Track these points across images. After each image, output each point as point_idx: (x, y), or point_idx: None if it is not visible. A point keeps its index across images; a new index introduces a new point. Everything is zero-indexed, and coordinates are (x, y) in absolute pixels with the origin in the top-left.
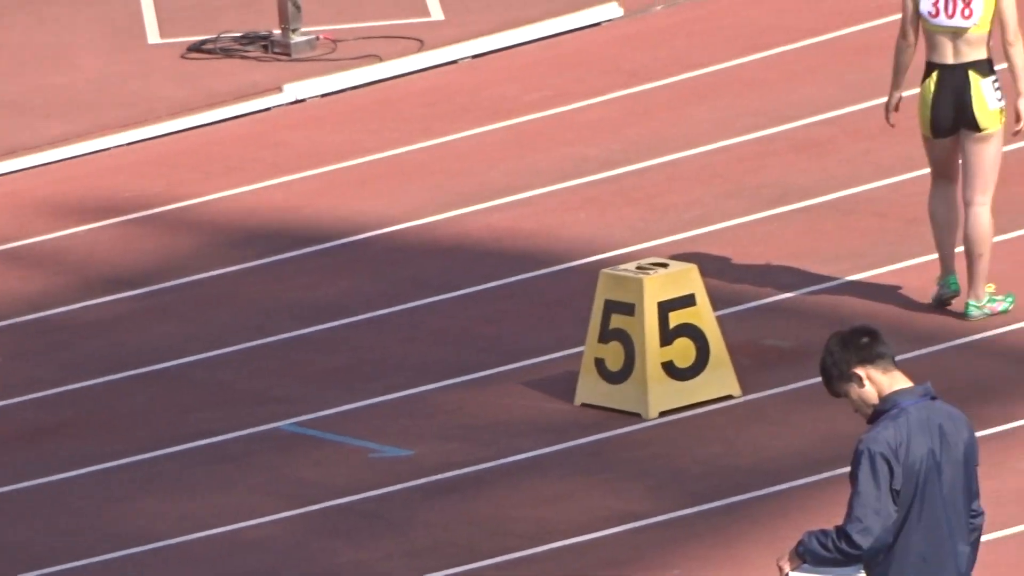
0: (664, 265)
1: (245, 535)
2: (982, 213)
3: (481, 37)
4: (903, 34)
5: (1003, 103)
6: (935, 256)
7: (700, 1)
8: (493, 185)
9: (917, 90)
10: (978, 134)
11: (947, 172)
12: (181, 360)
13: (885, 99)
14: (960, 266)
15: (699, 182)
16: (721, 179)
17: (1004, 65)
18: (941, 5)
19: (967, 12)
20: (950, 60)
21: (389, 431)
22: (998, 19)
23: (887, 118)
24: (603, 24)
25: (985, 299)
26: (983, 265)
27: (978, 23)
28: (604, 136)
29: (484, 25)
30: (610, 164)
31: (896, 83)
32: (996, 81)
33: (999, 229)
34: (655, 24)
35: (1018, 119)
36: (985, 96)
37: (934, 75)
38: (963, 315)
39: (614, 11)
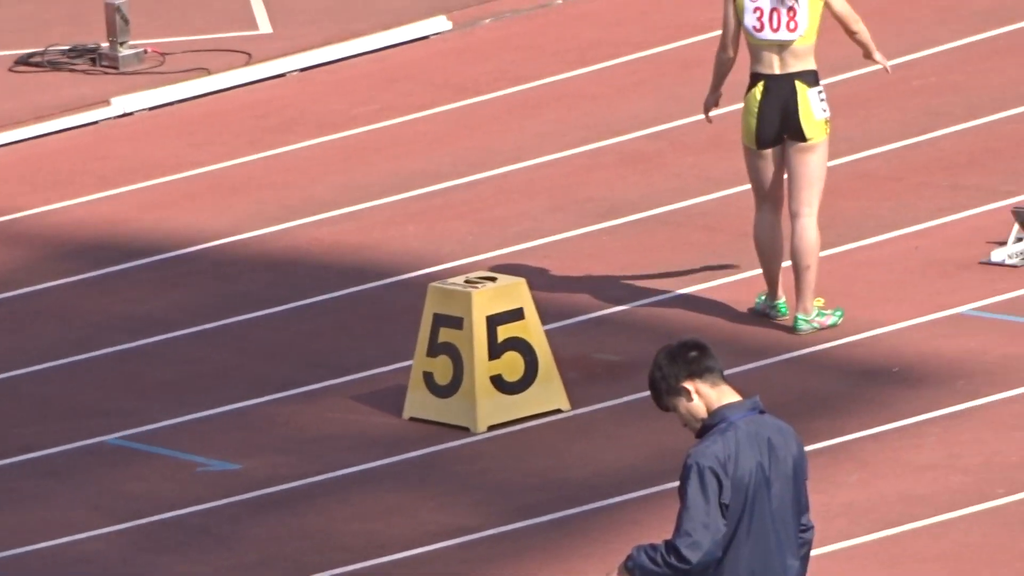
0: (493, 279)
1: (70, 550)
2: (808, 225)
3: (309, 51)
4: (723, 47)
5: (828, 114)
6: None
7: (528, 15)
8: (321, 199)
9: (741, 105)
10: (803, 144)
11: (771, 193)
12: (6, 374)
13: (712, 112)
14: (787, 280)
15: (527, 196)
16: (549, 193)
17: (832, 78)
18: (765, 19)
19: (792, 25)
20: (776, 70)
21: (218, 445)
22: (832, 22)
23: (706, 115)
24: (431, 38)
25: (814, 313)
26: (810, 277)
27: (804, 34)
28: (432, 150)
29: (312, 39)
30: (438, 178)
31: (715, 87)
32: (822, 92)
33: (826, 244)
34: (483, 38)
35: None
36: (812, 106)
37: (760, 85)
38: (792, 329)
39: (442, 24)
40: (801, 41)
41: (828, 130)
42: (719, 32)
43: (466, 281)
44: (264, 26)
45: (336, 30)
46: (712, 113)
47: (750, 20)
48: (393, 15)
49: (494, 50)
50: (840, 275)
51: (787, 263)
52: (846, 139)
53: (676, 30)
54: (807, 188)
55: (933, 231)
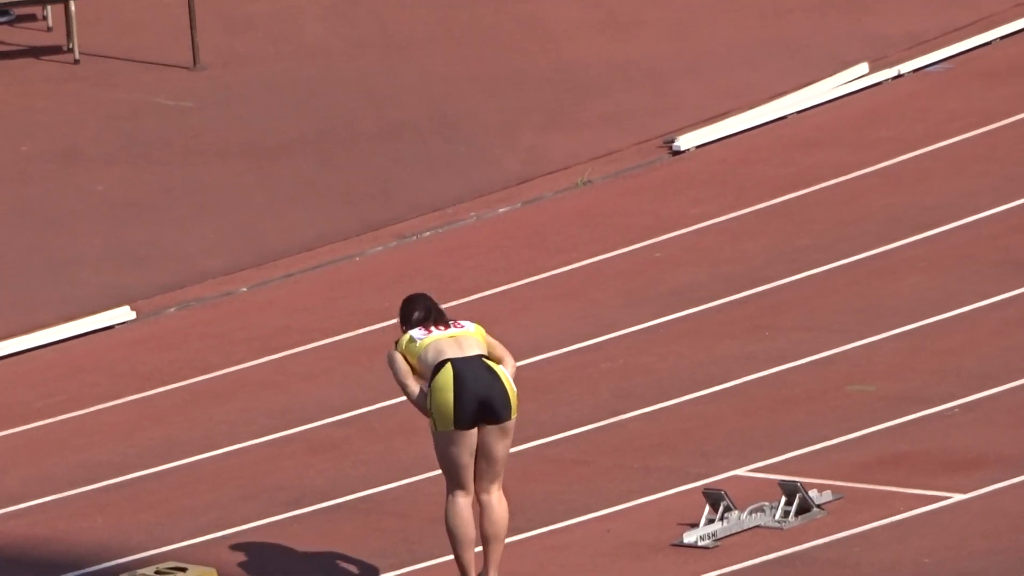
0: (183, 569)
1: None
2: (502, 498)
3: None
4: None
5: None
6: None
7: (213, 303)
8: (7, 492)
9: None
10: (508, 423)
11: (466, 478)
12: None
13: (400, 399)
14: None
15: (215, 485)
16: (237, 481)
17: (520, 362)
18: (430, 327)
19: (459, 324)
20: (460, 354)
21: None
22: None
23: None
24: (116, 327)
25: None
26: (501, 549)
27: (473, 330)
28: (117, 441)
29: None
30: (125, 469)
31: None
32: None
33: (516, 529)
34: (168, 326)
35: None
36: (512, 381)
37: (448, 366)
38: None
39: (126, 314)
40: (475, 333)
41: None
42: (396, 320)
43: (156, 572)
44: None
45: (21, 322)
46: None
47: (417, 335)
48: (78, 305)
49: (179, 339)
50: (531, 560)
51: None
52: (535, 423)
53: (363, 316)
54: (503, 464)
55: (624, 513)
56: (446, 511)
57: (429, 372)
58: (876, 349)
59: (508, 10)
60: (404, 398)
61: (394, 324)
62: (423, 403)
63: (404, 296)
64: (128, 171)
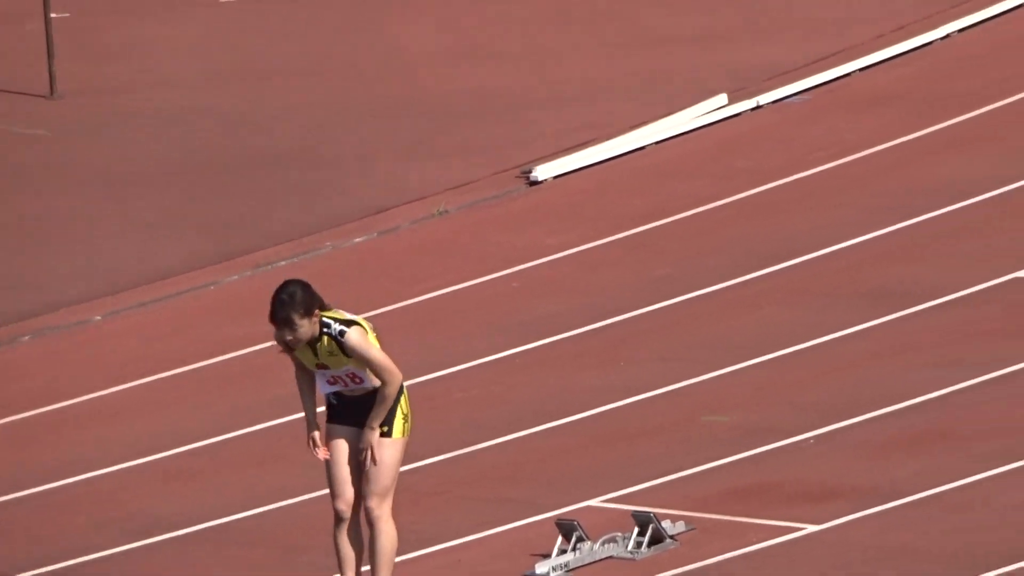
0: None
1: None
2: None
3: None
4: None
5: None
6: None
7: (67, 332)
8: None
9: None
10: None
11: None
12: None
13: (255, 427)
14: None
15: (65, 514)
16: (88, 510)
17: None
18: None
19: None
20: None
21: None
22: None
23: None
24: None
25: None
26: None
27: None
28: None
29: None
30: None
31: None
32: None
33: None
34: (22, 355)
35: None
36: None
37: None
38: None
39: None
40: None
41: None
42: (252, 349)
43: None
44: None
45: None
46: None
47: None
48: None
49: (34, 367)
50: None
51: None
52: None
53: (218, 345)
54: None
55: (476, 544)
56: (392, 529)
57: None
58: (731, 380)
59: (367, 40)
60: (260, 426)
61: (248, 353)
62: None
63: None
64: None
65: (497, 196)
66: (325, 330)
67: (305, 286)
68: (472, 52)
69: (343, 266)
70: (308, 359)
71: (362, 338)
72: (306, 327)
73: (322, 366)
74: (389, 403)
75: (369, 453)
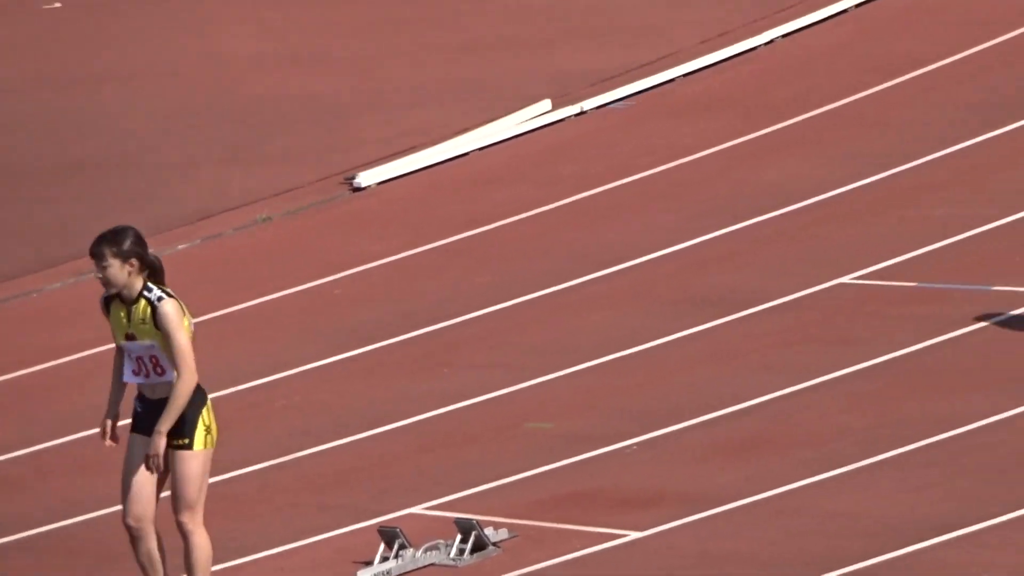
0: None
1: None
2: None
3: None
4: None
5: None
6: None
7: None
8: None
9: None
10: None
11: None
12: None
13: (77, 435)
14: None
15: None
16: None
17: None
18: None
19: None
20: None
21: None
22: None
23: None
24: None
25: None
26: None
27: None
28: None
29: None
30: None
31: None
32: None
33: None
34: None
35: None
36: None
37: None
38: None
39: None
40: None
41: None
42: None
43: None
44: None
45: None
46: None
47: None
48: None
49: None
50: None
51: None
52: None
53: (39, 353)
54: None
55: (298, 551)
56: (205, 540)
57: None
58: (556, 386)
59: (188, 45)
60: (82, 434)
61: (70, 361)
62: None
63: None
64: None
65: (320, 202)
66: (146, 293)
67: (138, 237)
68: (295, 58)
69: (167, 273)
70: (119, 325)
71: (176, 314)
72: (116, 269)
73: (131, 336)
74: (181, 403)
75: (153, 461)
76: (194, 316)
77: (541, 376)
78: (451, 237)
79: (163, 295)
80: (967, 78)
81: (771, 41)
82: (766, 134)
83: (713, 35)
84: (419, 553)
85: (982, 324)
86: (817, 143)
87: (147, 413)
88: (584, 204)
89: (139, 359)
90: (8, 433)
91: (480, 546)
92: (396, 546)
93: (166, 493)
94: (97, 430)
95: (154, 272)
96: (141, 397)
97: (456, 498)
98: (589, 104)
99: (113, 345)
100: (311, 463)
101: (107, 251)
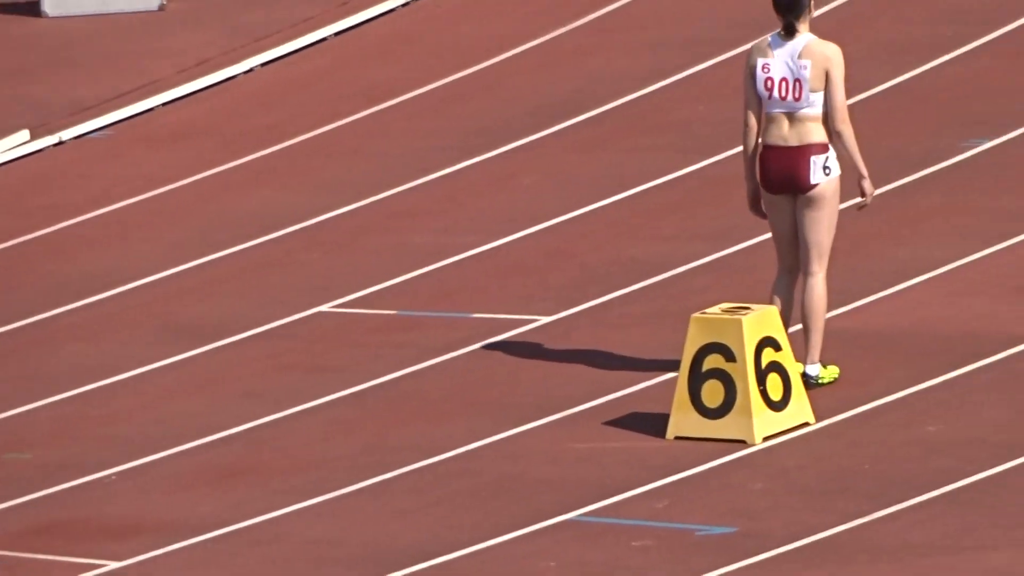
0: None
1: None
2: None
3: None
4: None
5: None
6: None
7: None
8: None
9: None
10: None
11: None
12: None
13: None
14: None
15: None
16: None
17: None
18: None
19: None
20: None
21: None
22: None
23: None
24: None
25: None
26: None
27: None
28: None
29: None
30: None
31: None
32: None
33: None
34: None
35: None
36: None
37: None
38: None
39: None
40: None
41: None
42: None
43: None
44: None
45: None
46: None
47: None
48: None
49: None
50: None
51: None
52: None
53: None
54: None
55: None
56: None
57: None
58: (34, 417)
59: None
60: None
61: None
62: None
63: None
64: None
65: None
66: None
67: None
68: None
69: None
70: None
71: None
72: None
73: None
74: None
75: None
76: None
77: (19, 407)
78: None
79: None
80: (447, 105)
81: (251, 70)
82: (245, 162)
83: (191, 64)
84: None
85: (462, 351)
86: (297, 171)
87: None
88: (61, 235)
89: None
90: None
91: None
92: None
93: None
94: None
95: None
96: None
97: None
98: (67, 134)
99: None
100: None
101: None
